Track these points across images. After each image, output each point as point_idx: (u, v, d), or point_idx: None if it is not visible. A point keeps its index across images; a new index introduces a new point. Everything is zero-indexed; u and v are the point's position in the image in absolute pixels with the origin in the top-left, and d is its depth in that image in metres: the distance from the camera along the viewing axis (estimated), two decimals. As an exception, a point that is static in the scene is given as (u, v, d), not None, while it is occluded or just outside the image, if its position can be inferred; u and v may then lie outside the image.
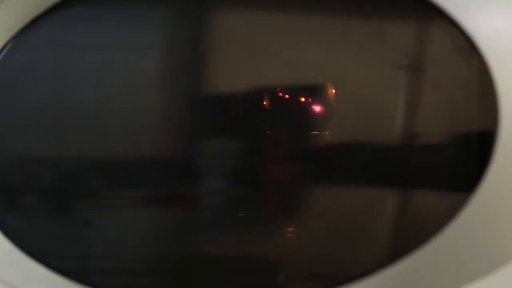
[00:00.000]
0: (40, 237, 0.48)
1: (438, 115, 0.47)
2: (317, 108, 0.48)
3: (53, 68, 0.48)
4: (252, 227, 0.49)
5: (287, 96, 0.49)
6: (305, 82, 0.49)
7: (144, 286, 0.50)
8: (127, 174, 0.49)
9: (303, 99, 0.49)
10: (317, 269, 0.49)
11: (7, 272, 0.47)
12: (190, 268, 0.49)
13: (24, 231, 0.48)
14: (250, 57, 0.48)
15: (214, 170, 0.49)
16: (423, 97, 0.47)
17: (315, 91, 0.49)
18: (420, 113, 0.47)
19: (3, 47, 0.46)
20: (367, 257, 0.48)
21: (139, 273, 0.49)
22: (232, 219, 0.49)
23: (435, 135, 0.48)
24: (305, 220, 0.50)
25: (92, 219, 0.49)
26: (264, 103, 0.48)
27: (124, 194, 0.49)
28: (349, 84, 0.49)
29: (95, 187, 0.49)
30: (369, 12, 0.47)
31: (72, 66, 0.47)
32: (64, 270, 0.48)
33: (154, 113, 0.49)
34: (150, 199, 0.49)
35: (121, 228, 0.49)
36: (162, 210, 0.50)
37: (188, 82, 0.49)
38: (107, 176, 0.49)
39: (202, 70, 0.49)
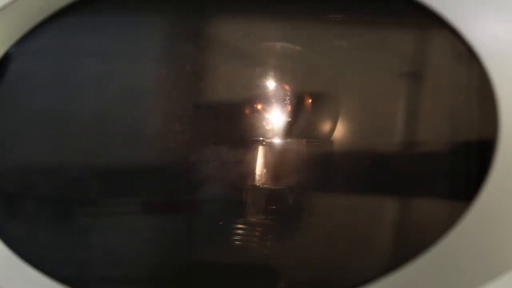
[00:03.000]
0: (40, 245, 0.48)
1: (438, 122, 0.47)
2: (317, 116, 0.48)
3: (53, 76, 0.48)
4: (252, 235, 0.49)
5: (287, 104, 0.49)
6: (305, 90, 0.49)
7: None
8: (126, 182, 0.49)
9: (303, 107, 0.49)
10: (317, 276, 0.49)
11: (7, 280, 0.46)
12: (190, 275, 0.49)
13: (24, 239, 0.48)
14: (249, 65, 0.48)
15: (214, 177, 0.49)
16: (423, 104, 0.47)
17: (316, 99, 0.49)
18: (420, 120, 0.47)
19: (4, 56, 0.46)
20: (367, 265, 0.48)
21: (139, 280, 0.49)
22: (232, 226, 0.49)
23: (435, 143, 0.48)
24: (305, 228, 0.50)
25: (92, 227, 0.49)
26: (264, 111, 0.48)
27: (124, 201, 0.49)
28: (350, 91, 0.49)
29: (95, 195, 0.49)
30: (370, 20, 0.47)
31: (72, 74, 0.47)
32: (64, 278, 0.47)
33: (153, 121, 0.49)
34: (150, 206, 0.49)
35: (121, 235, 0.49)
36: (162, 217, 0.50)
37: (187, 90, 0.49)
38: (107, 184, 0.49)
39: (201, 78, 0.49)
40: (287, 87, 0.49)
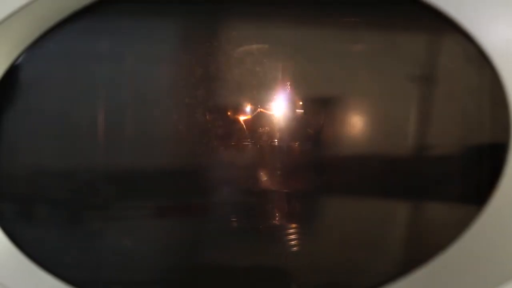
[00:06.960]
0: (51, 248, 0.48)
1: (450, 126, 0.47)
2: (329, 119, 0.48)
3: (66, 80, 0.48)
4: (263, 238, 0.49)
5: (299, 107, 0.49)
6: (318, 93, 0.49)
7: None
8: (138, 186, 0.49)
9: (315, 111, 0.49)
10: (329, 279, 0.49)
11: (19, 283, 0.46)
12: (201, 279, 0.49)
13: (36, 242, 0.48)
14: (260, 69, 0.48)
15: (225, 181, 0.49)
16: (435, 108, 0.47)
17: (328, 103, 0.49)
18: (432, 124, 0.47)
19: (15, 60, 0.46)
20: (380, 268, 0.48)
21: (151, 283, 0.49)
22: (243, 230, 0.49)
23: (447, 146, 0.48)
24: (317, 231, 0.50)
25: (103, 230, 0.49)
26: (276, 114, 0.48)
27: (135, 205, 0.49)
28: (362, 95, 0.49)
29: (107, 198, 0.49)
30: (382, 23, 0.47)
31: (84, 77, 0.48)
32: (75, 281, 0.47)
33: (164, 124, 0.49)
34: (161, 210, 0.49)
35: (132, 238, 0.49)
36: (173, 221, 0.50)
37: (198, 94, 0.49)
38: (118, 188, 0.49)
39: (212, 82, 0.49)
40: (300, 91, 0.49)
